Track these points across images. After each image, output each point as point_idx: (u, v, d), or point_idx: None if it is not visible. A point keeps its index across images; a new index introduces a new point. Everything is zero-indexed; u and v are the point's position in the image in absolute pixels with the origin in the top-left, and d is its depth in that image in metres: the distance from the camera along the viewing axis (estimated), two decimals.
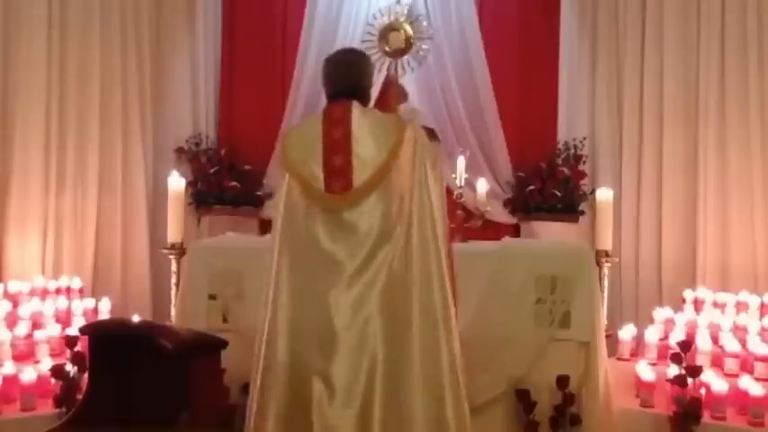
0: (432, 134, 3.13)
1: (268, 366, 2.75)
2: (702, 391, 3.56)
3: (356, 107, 2.83)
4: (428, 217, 2.79)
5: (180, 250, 4.07)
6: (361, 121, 2.80)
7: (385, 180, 2.74)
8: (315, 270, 2.72)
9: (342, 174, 2.73)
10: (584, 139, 5.73)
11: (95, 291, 4.92)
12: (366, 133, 2.78)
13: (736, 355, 3.87)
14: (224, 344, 2.95)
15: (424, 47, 5.33)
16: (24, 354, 3.85)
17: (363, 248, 2.69)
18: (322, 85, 2.97)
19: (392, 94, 5.13)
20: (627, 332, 4.29)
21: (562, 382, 3.58)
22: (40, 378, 3.53)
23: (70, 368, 3.54)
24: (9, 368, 3.55)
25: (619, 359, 4.18)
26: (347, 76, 2.92)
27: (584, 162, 5.73)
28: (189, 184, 5.20)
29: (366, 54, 3.14)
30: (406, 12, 5.30)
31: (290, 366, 2.70)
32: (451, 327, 2.74)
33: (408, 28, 5.32)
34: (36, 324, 4.10)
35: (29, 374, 3.50)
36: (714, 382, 3.56)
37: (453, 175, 4.64)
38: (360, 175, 2.73)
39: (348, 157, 2.74)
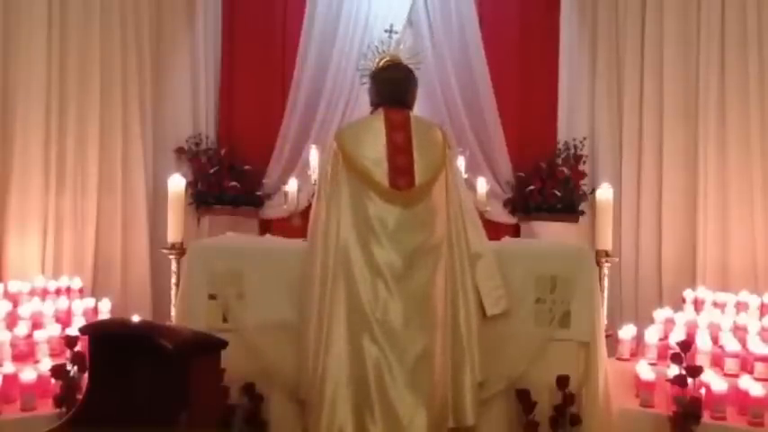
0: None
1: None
2: (702, 391, 3.56)
3: (413, 116, 3.32)
4: (460, 222, 3.31)
5: (180, 250, 4.07)
6: (417, 128, 3.27)
7: (438, 181, 3.21)
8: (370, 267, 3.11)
9: (407, 172, 3.15)
10: (584, 138, 5.75)
11: (95, 291, 4.92)
12: (422, 139, 3.24)
13: (736, 355, 3.87)
14: (224, 344, 2.94)
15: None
16: (24, 354, 3.85)
17: (415, 253, 3.12)
18: (375, 93, 3.38)
19: None
20: (627, 332, 4.29)
21: (562, 382, 3.58)
22: (40, 378, 3.53)
23: (70, 368, 3.54)
24: (9, 368, 3.55)
25: (619, 359, 4.18)
26: (404, 86, 3.37)
27: (584, 162, 5.74)
28: (189, 184, 5.20)
29: (412, 70, 3.53)
30: (394, 44, 5.27)
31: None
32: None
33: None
34: (36, 324, 4.10)
35: (29, 374, 3.49)
36: (714, 382, 3.56)
37: None
38: (421, 175, 3.15)
39: (411, 159, 3.17)
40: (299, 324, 3.48)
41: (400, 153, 3.17)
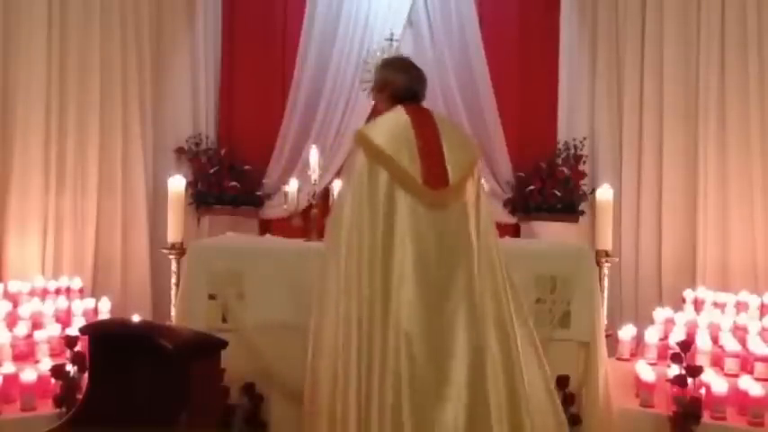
0: None
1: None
2: (702, 391, 3.56)
3: (433, 112, 3.06)
4: (489, 222, 3.06)
5: (180, 250, 4.07)
6: (443, 125, 3.02)
7: (470, 181, 2.99)
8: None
9: (441, 170, 2.91)
10: (585, 139, 5.74)
11: (95, 291, 4.92)
12: (450, 136, 2.99)
13: (736, 355, 3.87)
14: (224, 344, 2.94)
15: None
16: (24, 354, 3.85)
17: (451, 255, 2.87)
18: (383, 87, 3.10)
19: None
20: (627, 332, 4.29)
21: (562, 382, 3.58)
22: (40, 378, 3.53)
23: (70, 368, 3.54)
24: (9, 368, 3.55)
25: (619, 359, 4.18)
26: (419, 81, 3.09)
27: (584, 162, 5.73)
28: (189, 184, 5.20)
29: None
30: (394, 51, 5.27)
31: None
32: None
33: None
34: (36, 324, 4.10)
35: (29, 374, 3.49)
36: (714, 382, 3.56)
37: None
38: (454, 174, 2.92)
39: (443, 157, 2.93)
40: (299, 324, 3.48)
41: (431, 150, 2.93)
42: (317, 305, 2.95)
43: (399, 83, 3.06)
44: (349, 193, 2.93)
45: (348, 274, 2.84)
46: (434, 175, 2.89)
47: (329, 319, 2.88)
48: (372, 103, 3.39)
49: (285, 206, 4.61)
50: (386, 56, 5.04)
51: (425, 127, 2.96)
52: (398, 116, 2.99)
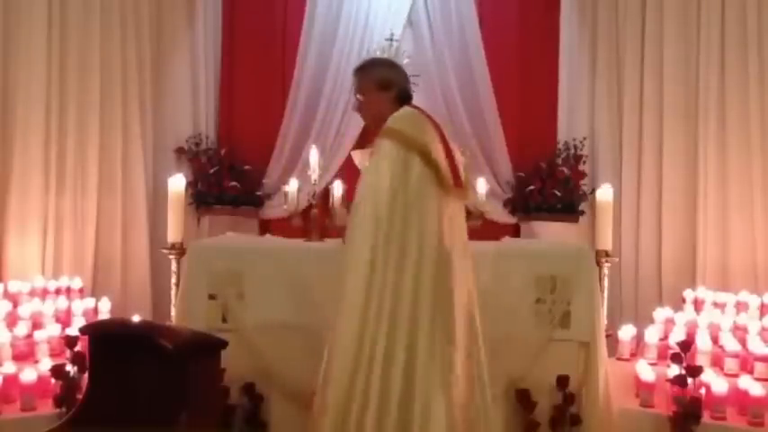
0: None
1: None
2: (702, 391, 3.56)
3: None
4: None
5: (180, 250, 4.07)
6: (444, 127, 3.03)
7: None
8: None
9: (456, 170, 2.93)
10: (585, 139, 5.74)
11: (95, 291, 4.91)
12: (450, 137, 3.02)
13: (736, 355, 3.87)
14: (224, 344, 2.94)
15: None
16: (24, 354, 3.85)
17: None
18: (388, 86, 3.02)
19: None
20: (627, 332, 4.29)
21: (562, 382, 3.59)
22: (40, 378, 3.53)
23: (70, 368, 3.54)
24: (9, 368, 3.55)
25: (619, 359, 4.18)
26: (407, 81, 3.09)
27: (584, 162, 5.73)
28: (189, 184, 5.20)
29: None
30: (394, 51, 5.26)
31: None
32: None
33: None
34: (36, 324, 4.09)
35: (29, 374, 3.49)
36: (714, 382, 3.56)
37: None
38: (463, 175, 2.97)
39: (454, 157, 2.95)
40: (300, 324, 3.48)
41: (447, 150, 2.93)
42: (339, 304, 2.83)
43: (403, 84, 3.05)
44: (380, 187, 2.82)
45: (386, 267, 2.77)
46: (454, 173, 2.91)
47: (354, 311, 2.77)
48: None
49: (285, 206, 4.60)
50: (386, 55, 5.04)
51: (436, 128, 2.97)
52: (419, 114, 2.99)
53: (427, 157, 2.85)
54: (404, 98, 3.02)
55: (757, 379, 3.65)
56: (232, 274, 3.62)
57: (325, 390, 2.80)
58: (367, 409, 2.70)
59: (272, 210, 5.64)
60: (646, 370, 3.79)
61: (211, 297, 3.62)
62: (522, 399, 3.57)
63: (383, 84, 3.02)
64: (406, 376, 2.72)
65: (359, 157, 4.56)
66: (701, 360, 3.84)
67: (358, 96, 3.10)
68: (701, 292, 4.76)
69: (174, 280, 4.10)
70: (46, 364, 3.61)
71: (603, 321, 3.92)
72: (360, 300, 2.76)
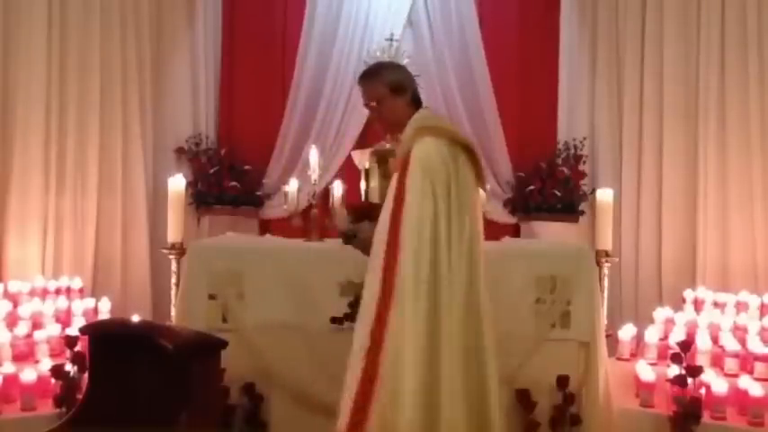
0: None
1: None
2: (702, 391, 3.56)
3: None
4: None
5: (180, 250, 4.07)
6: None
7: None
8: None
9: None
10: (584, 138, 5.74)
11: (95, 291, 4.92)
12: None
13: (736, 355, 3.87)
14: (224, 344, 2.95)
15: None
16: (24, 354, 3.85)
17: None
18: (403, 90, 2.86)
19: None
20: (627, 332, 4.29)
21: (562, 382, 3.59)
22: (40, 378, 3.53)
23: (70, 368, 3.54)
24: (9, 368, 3.55)
25: (619, 359, 4.18)
26: (414, 82, 2.98)
27: (584, 162, 5.73)
28: (189, 184, 5.20)
29: None
30: (394, 51, 5.26)
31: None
32: None
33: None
34: (36, 324, 4.10)
35: (29, 374, 3.49)
36: (714, 382, 3.56)
37: None
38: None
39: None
40: (300, 324, 3.48)
41: None
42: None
43: (413, 86, 2.92)
44: (427, 190, 2.69)
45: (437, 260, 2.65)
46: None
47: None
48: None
49: (285, 206, 4.61)
50: (386, 56, 5.04)
51: None
52: (441, 116, 2.98)
53: (471, 152, 2.82)
54: (417, 100, 2.90)
55: (757, 379, 3.65)
56: (232, 274, 3.62)
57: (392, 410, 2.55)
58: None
59: (272, 210, 5.64)
60: (646, 370, 3.79)
61: (211, 297, 3.62)
62: (522, 399, 3.57)
63: (397, 88, 2.85)
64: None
65: (359, 157, 4.54)
66: (701, 360, 3.84)
67: (372, 104, 2.88)
68: (701, 292, 4.76)
69: (174, 280, 4.10)
70: (46, 364, 3.61)
71: (603, 321, 3.92)
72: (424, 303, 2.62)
